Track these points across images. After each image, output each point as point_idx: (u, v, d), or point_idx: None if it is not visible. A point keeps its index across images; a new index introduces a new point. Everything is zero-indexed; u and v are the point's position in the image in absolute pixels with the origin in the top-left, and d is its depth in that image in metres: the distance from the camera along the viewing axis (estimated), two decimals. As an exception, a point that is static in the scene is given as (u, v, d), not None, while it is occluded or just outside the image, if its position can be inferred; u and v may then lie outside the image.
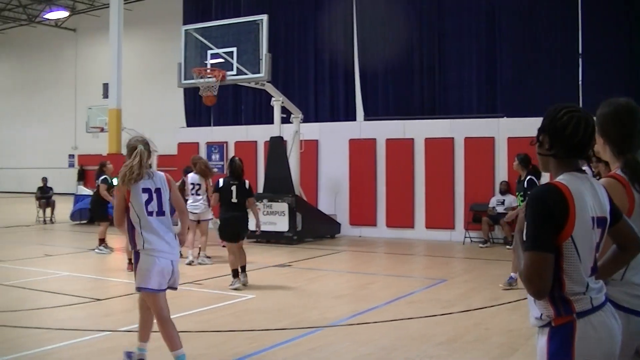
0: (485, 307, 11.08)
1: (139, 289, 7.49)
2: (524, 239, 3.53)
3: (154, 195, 7.31)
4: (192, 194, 16.11)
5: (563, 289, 3.50)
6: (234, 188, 13.12)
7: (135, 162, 7.24)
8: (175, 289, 7.63)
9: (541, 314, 3.57)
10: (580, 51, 22.56)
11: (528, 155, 13.27)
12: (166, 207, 7.40)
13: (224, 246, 15.56)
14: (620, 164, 4.23)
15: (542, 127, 3.77)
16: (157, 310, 7.48)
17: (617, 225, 3.85)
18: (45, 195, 27.57)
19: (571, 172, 3.66)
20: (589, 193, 3.61)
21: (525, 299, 3.78)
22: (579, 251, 3.50)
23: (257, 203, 19.98)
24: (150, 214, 7.26)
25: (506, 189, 19.80)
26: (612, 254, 3.96)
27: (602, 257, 3.84)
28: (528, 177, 13.17)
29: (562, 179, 3.61)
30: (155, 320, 7.62)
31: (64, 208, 27.38)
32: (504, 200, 19.74)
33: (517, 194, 14.05)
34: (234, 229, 13.09)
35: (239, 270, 13.00)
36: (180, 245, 7.63)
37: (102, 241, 18.47)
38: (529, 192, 12.80)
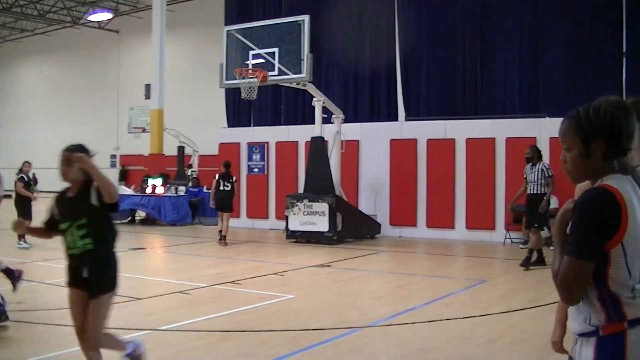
0: (525, 309, 11.03)
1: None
2: (568, 241, 3.27)
3: None
4: None
5: (612, 295, 3.23)
6: None
7: None
8: None
9: (589, 317, 3.31)
10: (624, 50, 22.34)
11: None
12: None
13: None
14: None
15: (592, 133, 3.43)
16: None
17: None
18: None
19: (616, 174, 3.39)
20: (632, 193, 3.36)
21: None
22: (627, 257, 3.25)
23: (298, 203, 20.14)
24: None
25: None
26: None
27: None
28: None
29: (611, 182, 3.33)
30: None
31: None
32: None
33: None
34: None
35: None
36: None
37: (21, 237, 18.65)
38: None
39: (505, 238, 20.51)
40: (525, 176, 15.93)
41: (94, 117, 51.56)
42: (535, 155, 15.74)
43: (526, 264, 15.22)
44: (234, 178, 20.83)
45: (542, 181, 15.43)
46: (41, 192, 20.92)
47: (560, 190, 17.18)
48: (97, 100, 51.54)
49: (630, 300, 3.24)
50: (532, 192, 15.64)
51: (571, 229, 3.28)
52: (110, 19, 49.78)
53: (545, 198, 15.48)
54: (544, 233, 17.85)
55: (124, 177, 43.82)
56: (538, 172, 15.48)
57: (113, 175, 46.18)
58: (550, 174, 15.45)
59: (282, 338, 9.07)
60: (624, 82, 22.17)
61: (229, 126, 29.92)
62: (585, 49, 22.64)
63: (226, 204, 20.41)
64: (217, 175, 20.52)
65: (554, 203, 17.28)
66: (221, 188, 20.33)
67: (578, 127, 3.47)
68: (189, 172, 31.98)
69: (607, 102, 4.06)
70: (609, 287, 3.24)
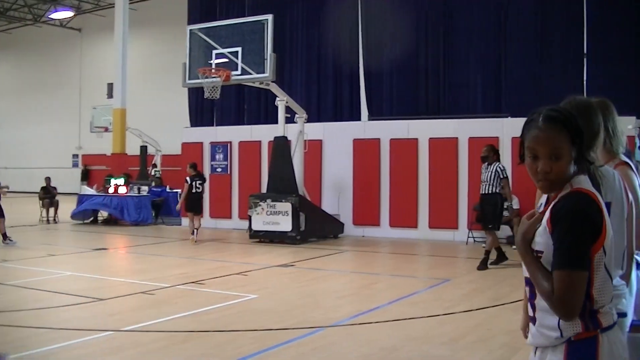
0: (488, 307, 11.10)
1: None
2: (557, 253, 3.13)
3: None
4: None
5: (592, 304, 3.17)
6: None
7: None
8: None
9: (562, 332, 3.20)
10: (585, 51, 22.56)
11: None
12: None
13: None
14: None
15: (579, 137, 3.28)
16: None
17: None
18: (48, 195, 27.59)
19: (579, 176, 3.29)
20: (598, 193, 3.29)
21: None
22: (606, 259, 3.20)
23: (261, 203, 20.11)
24: None
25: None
26: None
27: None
28: None
29: (583, 185, 3.26)
30: None
31: (68, 208, 27.41)
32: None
33: None
34: None
35: None
36: None
37: (5, 235, 19.24)
38: None
39: (468, 237, 20.59)
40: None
41: (55, 116, 51.20)
42: (490, 155, 15.65)
43: (483, 266, 15.30)
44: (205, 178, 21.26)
45: (495, 182, 15.36)
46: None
47: (518, 191, 17.34)
48: (59, 99, 51.17)
49: (606, 309, 3.19)
50: (484, 192, 15.57)
51: (558, 239, 3.15)
52: (72, 17, 49.45)
53: (508, 204, 15.52)
54: (506, 231, 17.98)
55: (86, 176, 43.58)
56: (492, 172, 15.40)
57: (75, 174, 46.00)
58: (504, 176, 15.35)
59: (246, 338, 9.06)
60: (584, 82, 22.39)
61: (192, 126, 29.84)
62: (547, 50, 22.87)
63: (198, 205, 20.96)
64: (188, 179, 20.64)
65: (515, 204, 17.39)
66: (193, 190, 20.64)
67: (568, 132, 3.26)
68: (152, 172, 31.82)
69: (575, 102, 4.12)
70: (592, 298, 3.17)
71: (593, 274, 3.15)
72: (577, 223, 3.11)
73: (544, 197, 3.46)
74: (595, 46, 22.39)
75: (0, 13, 49.37)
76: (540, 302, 3.27)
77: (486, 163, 15.64)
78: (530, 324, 3.42)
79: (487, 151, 15.73)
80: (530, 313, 3.39)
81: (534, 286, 3.28)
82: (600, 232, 3.14)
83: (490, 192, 15.42)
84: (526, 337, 3.70)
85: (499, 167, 15.40)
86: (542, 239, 3.23)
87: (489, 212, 15.43)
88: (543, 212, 3.30)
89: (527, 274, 3.35)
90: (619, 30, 22.03)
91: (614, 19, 22.12)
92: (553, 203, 3.26)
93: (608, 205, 3.98)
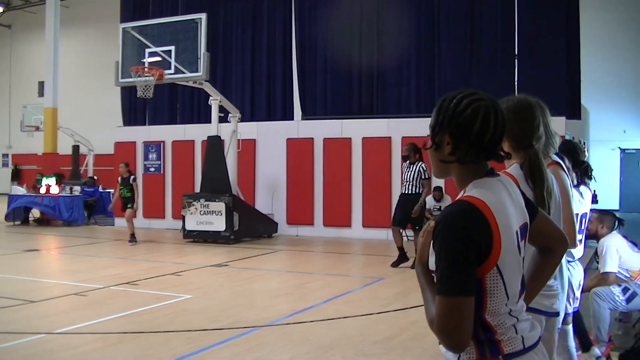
0: (422, 306, 11.14)
1: None
2: (437, 276, 2.71)
3: None
4: None
5: (492, 332, 2.78)
6: None
7: None
8: None
9: (459, 356, 2.80)
10: (516, 52, 22.84)
11: None
12: None
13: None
14: (520, 159, 4.06)
15: (439, 123, 2.96)
16: None
17: (535, 223, 3.14)
18: (-24, 195, 27.16)
19: (482, 179, 2.88)
20: (508, 200, 2.89)
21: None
22: (505, 280, 2.77)
23: (194, 203, 20.02)
24: None
25: (440, 192, 19.81)
26: (536, 263, 3.37)
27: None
28: None
29: (476, 193, 2.79)
30: None
31: (-2, 208, 27.03)
32: (440, 198, 19.83)
33: None
34: None
35: None
36: None
37: None
38: None
39: (402, 236, 20.69)
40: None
41: (-16, 114, 50.40)
42: (412, 154, 15.52)
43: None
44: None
45: (418, 182, 15.24)
46: None
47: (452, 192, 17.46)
48: (-12, 97, 50.38)
49: (512, 334, 2.80)
50: (407, 192, 15.46)
51: (437, 259, 2.72)
52: (1, 14, 48.64)
53: (419, 203, 15.27)
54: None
55: (17, 176, 42.95)
56: (414, 172, 15.28)
57: (5, 174, 45.29)
58: (427, 177, 15.16)
59: (181, 338, 9.04)
60: (516, 83, 22.68)
61: (124, 125, 29.56)
62: (479, 51, 23.12)
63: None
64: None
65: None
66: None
67: (435, 115, 3.00)
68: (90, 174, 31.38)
69: (515, 100, 4.18)
70: (486, 321, 2.77)
71: (485, 297, 2.75)
72: (448, 240, 2.68)
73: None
74: (527, 48, 22.69)
75: None
76: None
77: (408, 162, 15.57)
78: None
79: (409, 150, 15.51)
80: None
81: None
82: (488, 250, 2.70)
83: (413, 192, 15.27)
84: None
85: (422, 167, 15.22)
86: (432, 258, 2.80)
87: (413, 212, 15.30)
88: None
89: None
90: (549, 32, 22.33)
91: (545, 21, 22.40)
92: None
93: None
